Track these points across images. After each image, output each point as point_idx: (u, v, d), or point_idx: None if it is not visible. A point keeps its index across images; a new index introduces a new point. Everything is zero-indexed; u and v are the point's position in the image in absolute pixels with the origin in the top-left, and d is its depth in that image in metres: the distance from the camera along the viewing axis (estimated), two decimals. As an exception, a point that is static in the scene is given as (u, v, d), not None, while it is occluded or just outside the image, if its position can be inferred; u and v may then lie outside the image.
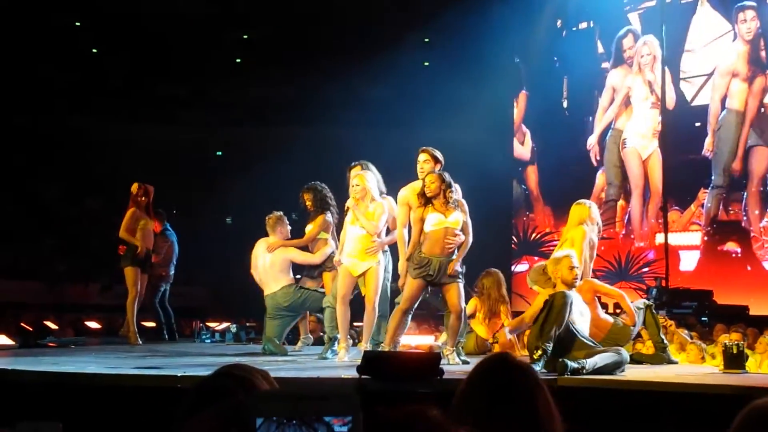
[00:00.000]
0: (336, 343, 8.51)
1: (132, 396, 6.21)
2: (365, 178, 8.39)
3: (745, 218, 13.84)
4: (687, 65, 15.02)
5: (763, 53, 13.97)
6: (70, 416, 5.31)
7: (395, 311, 8.07)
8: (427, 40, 19.17)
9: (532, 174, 17.26)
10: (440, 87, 17.64)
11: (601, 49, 16.44)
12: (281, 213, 9.48)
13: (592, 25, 16.76)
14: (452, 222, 7.89)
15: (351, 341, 8.92)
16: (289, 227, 9.48)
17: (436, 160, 8.30)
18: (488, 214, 15.44)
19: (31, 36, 17.90)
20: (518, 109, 17.64)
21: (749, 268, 13.64)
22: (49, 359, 7.95)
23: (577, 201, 8.93)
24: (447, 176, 7.96)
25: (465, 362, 7.87)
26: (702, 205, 14.30)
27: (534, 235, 16.69)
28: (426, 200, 7.89)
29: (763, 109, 13.86)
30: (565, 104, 16.95)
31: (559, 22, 17.14)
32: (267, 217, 9.45)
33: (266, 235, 9.42)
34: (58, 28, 18.62)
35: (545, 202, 16.72)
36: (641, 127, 15.50)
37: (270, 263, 9.21)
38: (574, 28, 17.07)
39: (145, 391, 6.16)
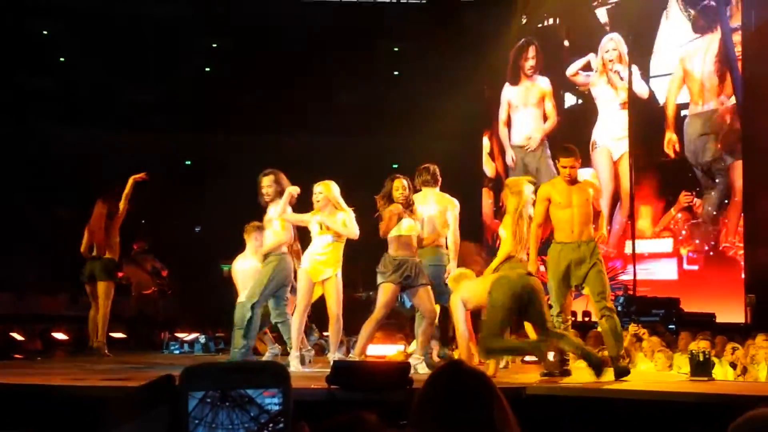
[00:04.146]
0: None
1: (98, 408, 6.14)
2: (331, 188, 8.44)
3: (726, 221, 13.69)
4: (657, 64, 14.88)
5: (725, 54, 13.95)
6: (37, 428, 5.27)
7: (370, 320, 8.07)
8: (396, 49, 19.22)
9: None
10: (410, 96, 17.67)
11: (567, 46, 16.43)
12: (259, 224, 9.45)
13: (558, 21, 16.72)
14: (405, 230, 8.05)
15: (313, 352, 8.91)
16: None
17: None
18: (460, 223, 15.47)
19: (1, 43, 17.76)
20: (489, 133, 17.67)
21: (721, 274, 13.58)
22: (16, 371, 7.87)
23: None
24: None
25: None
26: (681, 209, 14.22)
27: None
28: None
29: (729, 119, 13.79)
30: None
31: (524, 19, 17.09)
32: (246, 225, 9.41)
33: (237, 245, 9.38)
34: (28, 35, 18.50)
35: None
36: (611, 129, 15.37)
37: (253, 269, 9.13)
38: (539, 25, 17.02)
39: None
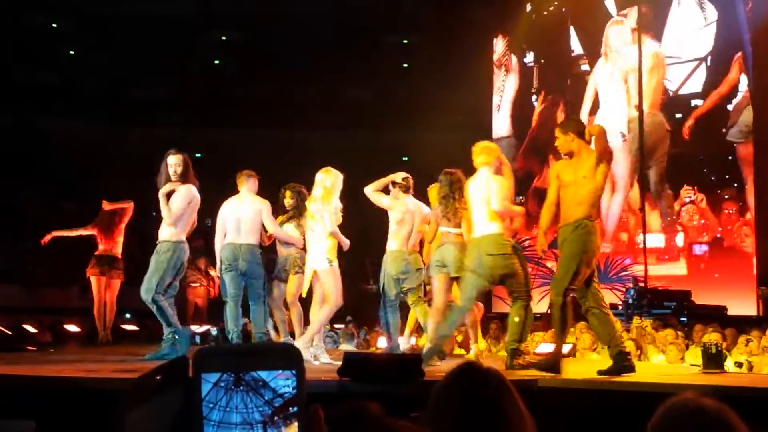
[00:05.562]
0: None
1: (109, 399, 6.14)
2: (337, 177, 8.40)
3: (737, 208, 13.62)
4: (666, 52, 14.75)
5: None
6: (48, 419, 5.28)
7: (437, 312, 8.09)
8: (405, 41, 19.20)
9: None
10: (419, 88, 17.63)
11: (573, 36, 16.35)
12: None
13: (563, 9, 16.62)
14: None
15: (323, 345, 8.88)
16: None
17: None
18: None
19: (8, 37, 17.78)
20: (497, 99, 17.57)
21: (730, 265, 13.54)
22: (28, 362, 7.91)
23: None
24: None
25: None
26: (684, 204, 14.16)
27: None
28: None
29: (742, 109, 13.66)
30: (533, 97, 16.89)
31: (528, 7, 16.96)
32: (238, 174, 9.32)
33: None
34: (35, 29, 18.53)
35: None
36: (612, 120, 15.23)
37: (244, 219, 9.02)
38: (545, 12, 16.91)
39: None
